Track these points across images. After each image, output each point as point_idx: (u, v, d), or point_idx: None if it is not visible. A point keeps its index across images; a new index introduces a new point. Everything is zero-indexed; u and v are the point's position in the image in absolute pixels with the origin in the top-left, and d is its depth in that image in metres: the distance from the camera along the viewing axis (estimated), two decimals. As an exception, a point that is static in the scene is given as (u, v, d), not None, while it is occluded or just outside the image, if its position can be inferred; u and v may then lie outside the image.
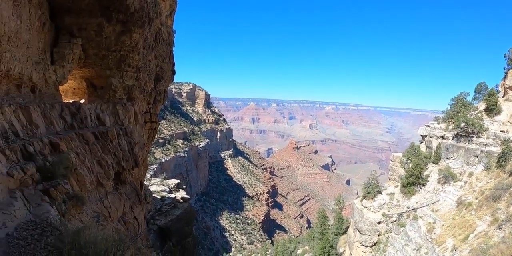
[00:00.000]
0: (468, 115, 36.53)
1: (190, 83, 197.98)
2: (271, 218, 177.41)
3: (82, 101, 18.12)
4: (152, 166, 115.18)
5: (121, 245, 7.08)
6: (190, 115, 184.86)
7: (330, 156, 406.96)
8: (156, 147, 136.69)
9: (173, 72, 27.11)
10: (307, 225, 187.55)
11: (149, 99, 22.82)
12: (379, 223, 36.85)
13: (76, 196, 10.30)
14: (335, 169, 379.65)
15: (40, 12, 13.78)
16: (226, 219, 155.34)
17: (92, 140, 14.74)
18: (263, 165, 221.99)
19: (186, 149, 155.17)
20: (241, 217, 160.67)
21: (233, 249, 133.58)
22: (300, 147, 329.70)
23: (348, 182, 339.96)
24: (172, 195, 41.26)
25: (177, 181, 51.53)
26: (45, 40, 14.73)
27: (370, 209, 39.07)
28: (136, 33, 17.55)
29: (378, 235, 36.67)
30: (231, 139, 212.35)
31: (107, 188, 15.50)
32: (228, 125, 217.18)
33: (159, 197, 39.07)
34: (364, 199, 41.86)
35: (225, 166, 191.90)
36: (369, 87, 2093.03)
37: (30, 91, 13.78)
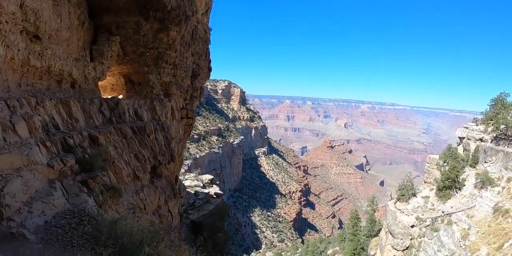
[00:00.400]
0: (508, 117, 34.97)
1: (225, 80, 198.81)
2: (303, 216, 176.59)
3: (120, 96, 18.60)
4: (186, 161, 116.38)
5: (156, 236, 7.31)
6: (225, 112, 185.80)
7: (365, 156, 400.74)
8: (191, 143, 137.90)
9: (210, 69, 27.46)
10: (338, 226, 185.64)
11: (185, 95, 23.20)
12: (412, 226, 36.01)
13: (113, 188, 10.64)
14: (369, 169, 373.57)
15: (79, 11, 14.29)
16: (258, 216, 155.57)
17: (130, 134, 15.17)
18: (297, 163, 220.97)
19: (221, 145, 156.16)
20: (273, 215, 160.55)
21: (263, 246, 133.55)
22: (334, 146, 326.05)
23: (382, 183, 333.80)
24: (206, 190, 41.78)
25: (211, 176, 52.12)
26: (85, 38, 15.28)
27: (403, 212, 38.20)
28: (173, 30, 17.89)
29: (411, 239, 35.79)
30: (265, 137, 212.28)
31: (143, 181, 15.92)
32: (263, 122, 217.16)
33: (192, 192, 39.62)
34: (398, 202, 40.92)
35: (259, 163, 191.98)
36: (406, 86, 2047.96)
37: (70, 86, 14.34)
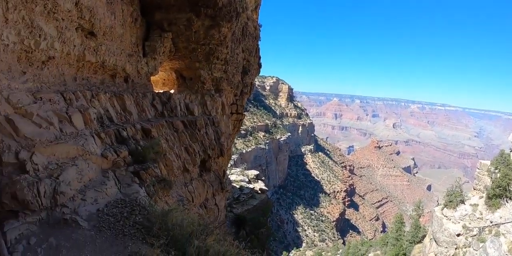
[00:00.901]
0: None
1: (273, 76, 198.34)
2: (346, 217, 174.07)
3: (172, 91, 18.95)
4: (233, 156, 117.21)
5: (205, 230, 7.44)
6: (273, 108, 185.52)
7: (413, 159, 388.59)
8: (238, 138, 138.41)
9: (259, 65, 27.54)
10: (381, 229, 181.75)
11: (236, 91, 23.42)
12: (458, 235, 34.44)
13: (164, 179, 10.90)
14: (416, 172, 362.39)
15: (131, 8, 14.71)
16: (301, 214, 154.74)
17: (181, 128, 15.48)
18: (343, 162, 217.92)
19: (267, 141, 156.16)
20: (315, 213, 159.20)
21: (304, 244, 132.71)
22: (382, 146, 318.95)
23: (429, 188, 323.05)
24: (251, 186, 42.00)
25: (256, 172, 52.31)
26: (137, 35, 15.72)
27: (450, 219, 36.57)
28: (224, 27, 18.03)
29: (456, 249, 34.17)
30: (312, 134, 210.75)
31: (193, 174, 16.22)
32: (310, 120, 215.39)
33: (238, 186, 39.93)
34: (445, 208, 39.17)
35: (304, 161, 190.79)
36: (458, 86, 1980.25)
37: (123, 81, 14.83)
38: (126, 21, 14.41)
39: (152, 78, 17.90)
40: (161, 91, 17.81)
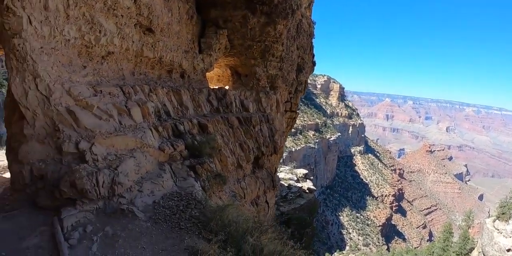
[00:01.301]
0: None
1: (324, 75, 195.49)
2: (392, 223, 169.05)
3: (226, 87, 19.09)
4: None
5: (260, 227, 7.34)
6: (323, 107, 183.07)
7: (465, 165, 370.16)
8: (288, 136, 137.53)
9: (314, 63, 27.14)
10: (428, 238, 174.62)
11: (290, 88, 23.21)
12: (508, 250, 32.52)
13: (219, 175, 10.90)
14: (468, 180, 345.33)
15: (187, 6, 14.84)
16: (347, 216, 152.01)
17: (236, 124, 15.48)
18: (393, 165, 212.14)
19: (317, 140, 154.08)
20: (361, 217, 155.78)
21: (347, 247, 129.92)
22: (434, 151, 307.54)
23: (481, 197, 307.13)
24: (299, 185, 41.57)
25: (305, 171, 51.71)
26: (193, 32, 15.85)
27: (501, 233, 34.32)
28: (280, 24, 17.87)
29: None
30: (362, 135, 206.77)
31: (246, 170, 16.19)
32: (361, 120, 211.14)
33: (286, 184, 39.71)
34: (496, 220, 36.85)
35: (353, 162, 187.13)
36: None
37: (179, 76, 15.03)
38: (182, 18, 14.57)
39: (207, 74, 18.01)
40: (216, 87, 17.92)
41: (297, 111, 26.57)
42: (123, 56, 11.20)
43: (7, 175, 13.10)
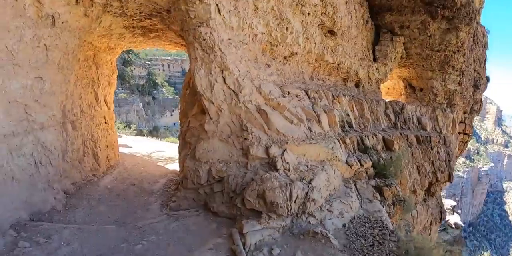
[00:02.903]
0: None
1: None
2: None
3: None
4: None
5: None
6: (477, 131, 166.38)
7: None
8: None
9: (487, 79, 23.93)
10: None
11: (466, 107, 20.60)
12: None
13: (405, 200, 9.30)
14: None
15: (362, 10, 13.84)
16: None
17: (414, 143, 13.68)
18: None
19: (467, 169, 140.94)
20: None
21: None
22: None
23: None
24: (447, 217, 37.73)
25: (453, 203, 47.13)
26: (368, 38, 14.73)
27: None
28: (462, 31, 15.80)
29: None
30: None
31: (418, 197, 14.29)
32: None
33: (429, 215, 36.19)
34: None
35: (504, 199, 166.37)
36: None
37: (354, 85, 14.05)
38: (359, 22, 13.56)
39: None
40: (389, 99, 16.36)
41: (470, 135, 23.40)
42: (304, 58, 10.50)
43: (169, 166, 13.26)
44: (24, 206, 6.45)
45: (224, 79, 7.10)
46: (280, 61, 9.43)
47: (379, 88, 15.82)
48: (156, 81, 74.28)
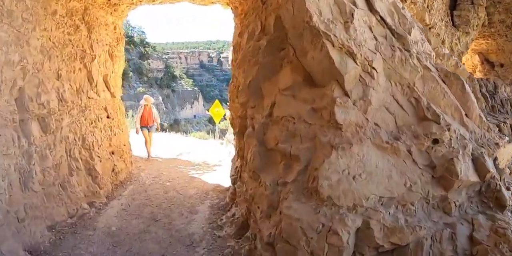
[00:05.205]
0: None
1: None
2: None
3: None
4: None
5: None
6: None
7: None
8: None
9: None
10: None
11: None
12: None
13: None
14: None
15: None
16: None
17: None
18: None
19: None
20: None
21: None
22: None
23: None
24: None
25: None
26: (445, 1, 11.86)
27: None
28: None
29: None
30: None
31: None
32: None
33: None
34: None
35: None
36: None
37: None
38: None
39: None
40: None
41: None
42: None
43: (206, 177, 10.19)
44: None
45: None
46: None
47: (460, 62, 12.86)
48: (175, 73, 72.61)
